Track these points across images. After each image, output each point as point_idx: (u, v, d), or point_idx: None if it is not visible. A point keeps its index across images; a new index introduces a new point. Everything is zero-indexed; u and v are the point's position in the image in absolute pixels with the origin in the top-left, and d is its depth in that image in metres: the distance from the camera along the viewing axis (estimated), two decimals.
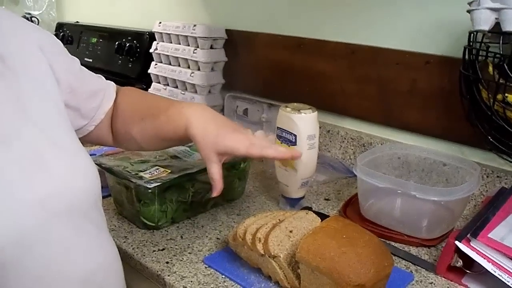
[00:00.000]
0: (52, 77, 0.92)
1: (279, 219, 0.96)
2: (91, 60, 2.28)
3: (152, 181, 1.03)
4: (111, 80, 1.09)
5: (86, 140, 1.05)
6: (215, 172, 0.94)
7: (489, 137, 1.10)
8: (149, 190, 1.02)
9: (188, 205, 1.14)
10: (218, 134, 0.94)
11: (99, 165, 1.10)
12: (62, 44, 1.01)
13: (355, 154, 1.48)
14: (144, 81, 1.96)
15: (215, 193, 0.96)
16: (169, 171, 1.08)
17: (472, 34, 1.07)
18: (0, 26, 0.89)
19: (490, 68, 1.05)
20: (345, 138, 1.50)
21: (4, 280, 0.72)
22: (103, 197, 0.91)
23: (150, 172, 1.07)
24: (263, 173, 1.42)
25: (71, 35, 2.46)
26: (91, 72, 1.06)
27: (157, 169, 1.09)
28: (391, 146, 1.28)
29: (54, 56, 0.95)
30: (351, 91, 1.48)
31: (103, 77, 1.09)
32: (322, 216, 0.98)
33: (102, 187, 0.89)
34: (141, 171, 1.08)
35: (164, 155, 1.17)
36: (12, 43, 0.89)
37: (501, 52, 1.01)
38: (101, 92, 1.04)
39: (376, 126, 1.47)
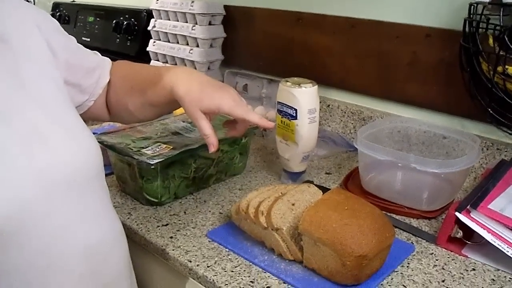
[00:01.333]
0: (50, 55, 0.93)
1: (281, 193, 0.97)
2: (88, 39, 2.28)
3: (154, 158, 1.04)
4: (109, 58, 1.10)
5: (85, 116, 1.06)
6: (205, 127, 0.94)
7: (489, 110, 1.10)
8: (152, 167, 1.03)
9: (191, 181, 1.15)
10: (202, 92, 0.94)
11: (101, 142, 1.10)
12: (58, 22, 1.02)
13: (356, 128, 1.48)
14: (143, 59, 1.95)
15: (212, 149, 0.96)
16: (171, 147, 1.09)
17: (472, 6, 1.07)
18: None
19: (491, 40, 1.05)
20: (345, 112, 1.50)
21: (6, 251, 0.73)
22: (106, 175, 0.92)
23: (152, 149, 1.08)
24: (264, 148, 1.42)
25: (68, 15, 2.45)
26: (86, 49, 1.07)
27: (159, 145, 1.09)
28: (392, 119, 1.29)
29: (51, 35, 0.96)
30: (351, 65, 1.48)
31: (98, 53, 1.10)
32: (324, 190, 0.99)
33: (104, 165, 0.89)
34: (143, 147, 1.09)
35: (166, 132, 1.18)
36: (10, 22, 0.89)
37: (501, 24, 1.01)
38: (99, 68, 1.06)
39: (377, 100, 1.47)
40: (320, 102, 1.16)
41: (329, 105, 1.52)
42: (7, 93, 0.81)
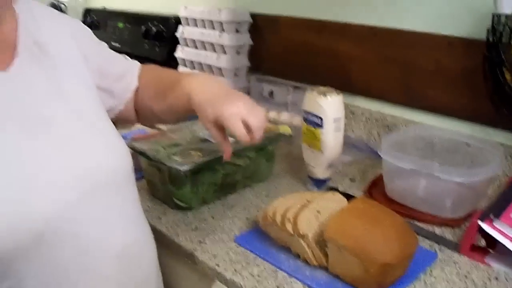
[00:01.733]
0: (84, 61, 0.98)
1: (307, 200, 1.00)
2: (118, 45, 2.32)
3: (184, 164, 1.07)
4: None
5: (115, 119, 1.11)
6: (216, 135, 0.96)
7: None
8: (182, 173, 1.07)
9: (219, 187, 1.18)
10: (214, 101, 0.95)
11: (133, 148, 1.14)
12: (90, 29, 1.06)
13: (379, 135, 1.50)
14: (171, 64, 1.99)
15: (225, 156, 0.98)
16: (200, 154, 1.12)
17: (495, 17, 1.09)
18: (34, 17, 0.94)
19: None
20: (369, 119, 1.52)
21: (45, 251, 0.77)
22: (136, 180, 0.96)
23: (182, 156, 1.11)
24: (290, 154, 1.45)
25: (98, 21, 2.51)
26: (116, 53, 1.12)
27: (189, 152, 1.13)
28: (415, 127, 1.31)
29: (84, 42, 1.01)
30: (375, 72, 1.50)
31: (128, 57, 1.15)
32: (348, 197, 1.02)
33: (135, 170, 0.94)
34: (173, 154, 1.12)
35: (195, 138, 1.21)
36: (46, 32, 0.94)
37: None
38: (129, 72, 1.10)
39: (400, 107, 1.49)
40: (344, 109, 1.19)
41: (353, 112, 1.55)
42: (47, 101, 0.86)
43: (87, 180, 0.83)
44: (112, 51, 1.10)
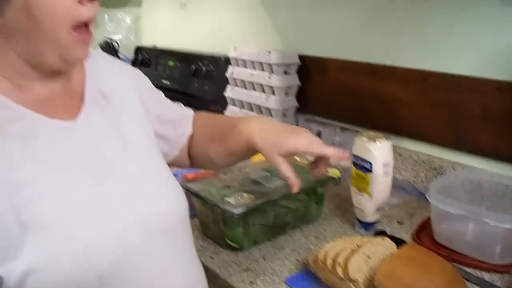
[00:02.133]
0: (143, 110, 1.04)
1: (356, 244, 1.02)
2: (168, 82, 2.40)
3: (237, 207, 1.12)
4: (187, 101, 1.19)
5: (169, 163, 1.16)
6: (286, 171, 1.00)
7: None
8: (235, 215, 1.11)
9: (269, 228, 1.22)
10: (278, 137, 1.00)
11: (186, 189, 1.19)
12: (149, 80, 1.13)
13: (427, 177, 1.52)
14: (220, 103, 2.05)
15: (295, 188, 1.01)
16: (253, 196, 1.16)
17: None
18: (99, 67, 1.01)
19: None
20: (416, 162, 1.54)
21: None
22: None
23: (235, 197, 1.16)
24: (338, 196, 1.48)
25: (149, 58, 2.60)
26: (172, 102, 1.18)
27: (241, 194, 1.17)
28: (464, 171, 1.32)
29: (144, 91, 1.07)
30: (423, 115, 1.52)
31: (182, 105, 1.21)
32: (397, 241, 1.04)
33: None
34: (226, 196, 1.17)
35: (246, 180, 1.26)
36: (110, 81, 1.01)
37: None
38: (184, 120, 1.16)
39: (448, 150, 1.50)
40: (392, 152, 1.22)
41: (401, 154, 1.57)
42: (111, 148, 0.91)
43: (148, 223, 0.88)
44: (169, 99, 1.16)
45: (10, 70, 0.85)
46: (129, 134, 0.96)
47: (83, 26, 0.84)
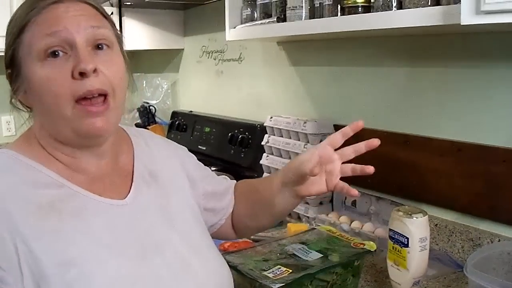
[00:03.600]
0: (190, 186, 1.09)
1: None
2: (204, 148, 2.46)
3: (276, 281, 1.13)
4: (223, 167, 1.25)
5: (215, 235, 1.20)
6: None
7: None
8: None
9: None
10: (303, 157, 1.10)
11: (226, 262, 1.22)
12: (195, 157, 1.18)
13: (463, 248, 1.51)
14: (255, 170, 2.09)
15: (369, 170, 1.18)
16: (290, 270, 1.18)
17: None
18: (148, 147, 1.06)
19: None
20: (453, 232, 1.54)
21: None
22: None
23: (273, 272, 1.17)
24: (374, 267, 1.48)
25: (186, 124, 2.67)
26: (216, 175, 1.23)
27: (279, 268, 1.19)
28: (500, 243, 1.32)
29: (191, 169, 1.12)
30: (459, 186, 1.53)
31: (227, 177, 1.25)
32: None
33: None
34: (264, 270, 1.18)
35: (283, 253, 1.27)
36: (159, 161, 1.06)
37: None
38: (229, 191, 1.20)
39: (485, 221, 1.50)
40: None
41: (436, 224, 1.57)
42: (159, 227, 0.95)
43: None
44: (214, 173, 1.21)
45: (56, 151, 0.91)
46: (176, 212, 1.01)
47: (88, 99, 0.87)
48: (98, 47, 0.89)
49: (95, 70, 0.86)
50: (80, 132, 0.88)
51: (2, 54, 0.91)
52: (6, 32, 0.91)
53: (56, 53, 0.85)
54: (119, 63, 0.92)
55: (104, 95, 0.88)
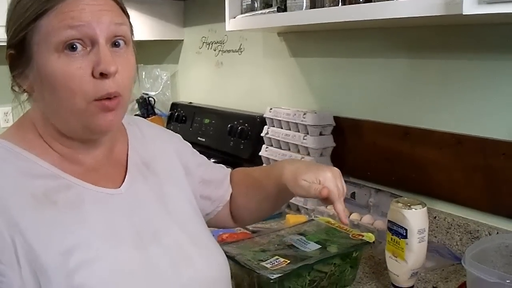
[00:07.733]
0: (185, 175, 1.09)
1: None
2: (203, 140, 2.45)
3: (273, 272, 1.13)
4: (222, 159, 1.25)
5: (212, 223, 1.21)
6: (315, 191, 1.04)
7: None
8: (272, 280, 1.12)
9: None
10: (307, 168, 1.08)
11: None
12: (190, 145, 1.17)
13: (462, 241, 1.51)
14: (255, 162, 2.08)
15: (344, 220, 1.06)
16: (288, 261, 1.18)
17: None
18: (143, 137, 1.05)
19: None
20: (451, 225, 1.54)
21: None
22: None
23: (271, 262, 1.17)
24: (372, 258, 1.48)
25: (185, 115, 2.66)
26: (214, 163, 1.23)
27: (277, 259, 1.18)
28: (499, 235, 1.32)
29: (187, 157, 1.12)
30: (458, 179, 1.53)
31: (224, 166, 1.25)
32: None
33: None
34: (262, 260, 1.18)
35: (282, 244, 1.27)
36: (154, 150, 1.05)
37: None
38: (226, 179, 1.20)
39: (483, 214, 1.50)
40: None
41: (435, 217, 1.57)
42: (154, 215, 0.95)
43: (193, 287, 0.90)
44: (211, 161, 1.21)
45: (54, 142, 0.90)
46: (172, 201, 1.00)
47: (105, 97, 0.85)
48: (115, 44, 0.87)
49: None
50: (91, 126, 0.87)
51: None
52: (13, 12, 0.86)
53: (74, 46, 0.82)
54: (132, 62, 0.91)
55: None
